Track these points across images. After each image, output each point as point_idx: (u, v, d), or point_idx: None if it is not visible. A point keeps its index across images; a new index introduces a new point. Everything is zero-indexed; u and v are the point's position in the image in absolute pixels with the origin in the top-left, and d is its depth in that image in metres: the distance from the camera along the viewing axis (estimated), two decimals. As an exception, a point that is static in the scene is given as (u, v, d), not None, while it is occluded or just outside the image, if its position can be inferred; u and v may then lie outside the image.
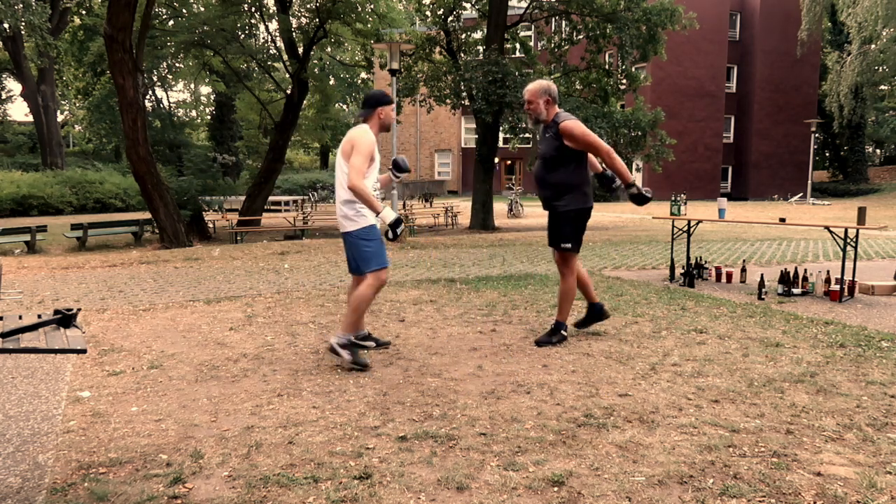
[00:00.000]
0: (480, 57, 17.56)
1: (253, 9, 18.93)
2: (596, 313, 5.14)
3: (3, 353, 2.57)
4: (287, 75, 20.33)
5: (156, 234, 15.37)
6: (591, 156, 4.82)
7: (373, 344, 4.70)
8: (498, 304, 6.29)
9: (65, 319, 2.83)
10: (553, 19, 20.38)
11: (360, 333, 4.63)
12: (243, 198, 19.69)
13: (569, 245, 4.73)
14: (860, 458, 2.88)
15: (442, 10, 18.68)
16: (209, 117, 39.09)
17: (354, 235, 4.27)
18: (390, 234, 4.20)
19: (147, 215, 15.70)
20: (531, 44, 22.42)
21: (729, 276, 7.66)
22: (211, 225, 18.32)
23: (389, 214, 4.11)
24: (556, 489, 2.61)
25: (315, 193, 31.88)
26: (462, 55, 19.16)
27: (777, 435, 3.13)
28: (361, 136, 4.21)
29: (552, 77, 18.91)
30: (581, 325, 5.20)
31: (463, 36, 19.54)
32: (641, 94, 18.68)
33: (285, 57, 19.39)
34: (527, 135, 20.15)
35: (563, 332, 4.87)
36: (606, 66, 18.77)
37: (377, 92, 4.47)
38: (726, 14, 35.16)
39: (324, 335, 5.11)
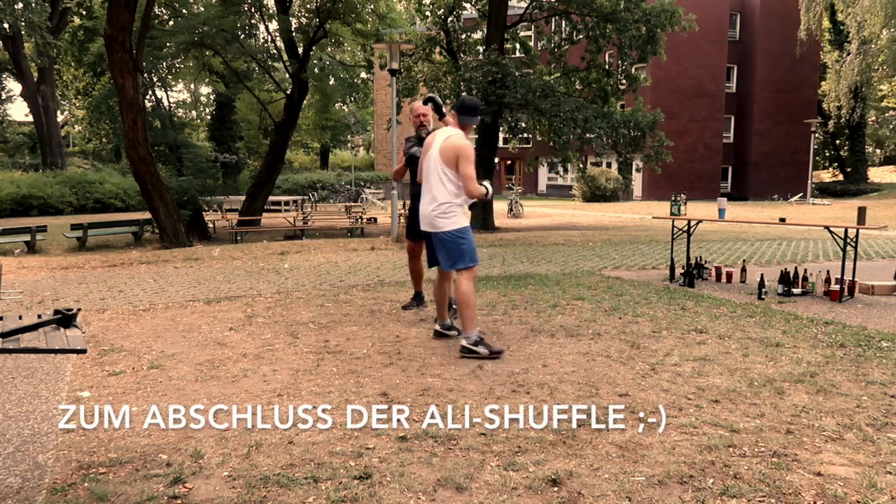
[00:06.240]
0: (480, 57, 17.56)
1: (253, 9, 18.91)
2: None
3: (3, 353, 2.57)
4: (287, 75, 20.31)
5: (156, 234, 15.34)
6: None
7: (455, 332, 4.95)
8: (498, 304, 6.28)
9: (65, 319, 2.83)
10: (553, 19, 20.37)
11: (444, 323, 5.00)
12: (243, 198, 19.68)
13: None
14: (860, 458, 2.88)
15: (442, 10, 18.68)
16: (209, 117, 39.05)
17: (452, 233, 4.55)
18: (489, 195, 4.72)
19: (147, 215, 15.68)
20: (531, 44, 22.41)
21: (729, 276, 7.66)
22: (211, 225, 18.29)
23: (488, 186, 4.68)
24: (556, 489, 2.61)
25: (315, 193, 31.84)
26: (462, 55, 19.15)
27: (777, 435, 3.13)
28: (467, 144, 4.52)
29: (552, 77, 18.91)
30: None
31: (463, 36, 19.53)
32: (641, 94, 18.65)
33: (285, 57, 19.37)
34: (526, 135, 20.13)
35: None
36: (606, 67, 18.76)
37: (477, 101, 4.80)
38: (726, 14, 35.16)
39: (324, 335, 5.11)
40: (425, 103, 5.29)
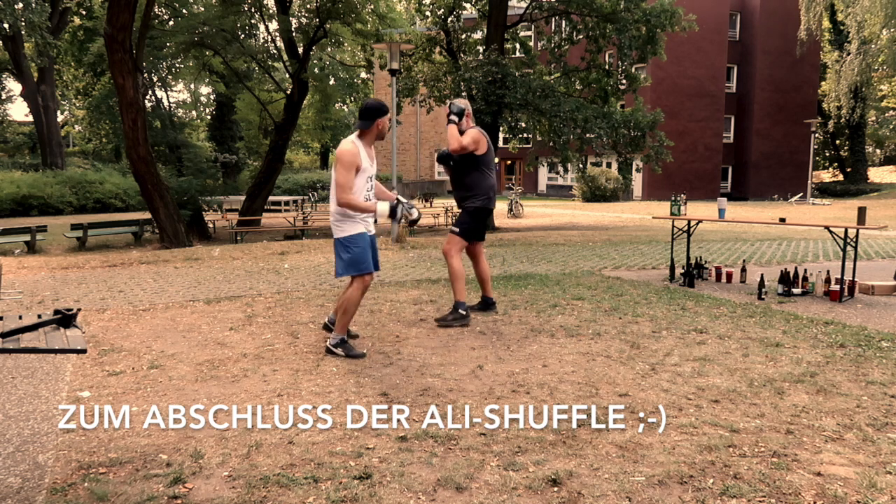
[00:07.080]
0: (480, 57, 17.56)
1: (253, 9, 18.91)
2: None
3: (3, 353, 2.57)
4: (287, 75, 20.31)
5: (156, 234, 15.35)
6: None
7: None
8: (498, 304, 6.28)
9: (65, 319, 2.83)
10: (553, 19, 20.38)
11: (331, 318, 4.93)
12: (243, 198, 19.68)
13: None
14: (860, 458, 2.88)
15: (442, 10, 18.68)
16: (209, 117, 39.07)
17: (337, 241, 4.57)
18: (399, 219, 4.61)
19: (147, 215, 15.68)
20: (531, 44, 22.42)
21: (729, 276, 7.66)
22: (211, 225, 18.30)
23: (382, 208, 4.49)
24: (556, 489, 2.61)
25: (315, 193, 31.85)
26: (462, 55, 19.16)
27: (777, 435, 3.13)
28: (344, 150, 4.35)
29: (552, 77, 18.92)
30: None
31: (463, 36, 19.54)
32: (641, 94, 18.65)
33: (285, 57, 19.37)
34: (526, 135, 20.11)
35: None
36: (606, 67, 18.77)
37: (375, 102, 4.52)
38: (726, 14, 35.15)
39: (324, 335, 5.11)
40: (450, 107, 5.48)
